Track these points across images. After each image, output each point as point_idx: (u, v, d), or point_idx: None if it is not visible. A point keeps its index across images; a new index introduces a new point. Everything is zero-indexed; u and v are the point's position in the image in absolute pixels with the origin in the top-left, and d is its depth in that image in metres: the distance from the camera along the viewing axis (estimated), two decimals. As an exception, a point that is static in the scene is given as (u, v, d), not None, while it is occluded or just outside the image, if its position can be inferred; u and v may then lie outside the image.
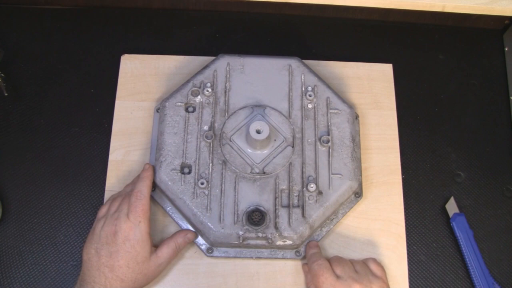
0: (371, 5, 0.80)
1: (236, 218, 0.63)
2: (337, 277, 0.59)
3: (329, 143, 0.67)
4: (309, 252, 0.64)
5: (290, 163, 0.66)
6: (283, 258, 0.66)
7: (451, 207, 0.71)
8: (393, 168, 0.72)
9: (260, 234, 0.63)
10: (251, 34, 0.82)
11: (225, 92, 0.70)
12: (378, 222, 0.69)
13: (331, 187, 0.65)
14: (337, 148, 0.67)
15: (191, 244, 0.66)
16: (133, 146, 0.72)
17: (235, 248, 0.66)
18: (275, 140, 0.67)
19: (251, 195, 0.64)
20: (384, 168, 0.72)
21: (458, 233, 0.69)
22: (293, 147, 0.67)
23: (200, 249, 0.66)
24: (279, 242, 0.63)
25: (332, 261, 0.62)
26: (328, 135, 0.68)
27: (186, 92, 0.69)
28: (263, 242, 0.64)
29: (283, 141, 0.67)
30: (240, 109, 0.69)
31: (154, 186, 0.66)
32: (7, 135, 0.73)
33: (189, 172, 0.65)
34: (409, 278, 0.68)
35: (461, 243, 0.69)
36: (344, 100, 0.71)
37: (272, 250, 0.66)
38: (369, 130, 0.74)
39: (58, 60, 0.78)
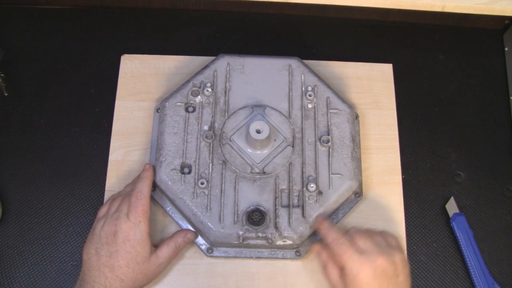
0: (371, 5, 0.80)
1: (236, 218, 0.63)
2: (360, 252, 0.56)
3: (329, 143, 0.67)
4: (322, 229, 0.61)
5: (290, 163, 0.66)
6: (283, 258, 0.66)
7: (451, 207, 0.71)
8: (393, 168, 0.72)
9: (260, 234, 0.63)
10: (251, 34, 0.82)
11: (225, 92, 0.70)
12: (378, 222, 0.69)
13: (331, 187, 0.65)
14: (337, 148, 0.67)
15: (191, 244, 0.66)
16: (133, 146, 0.72)
17: (235, 248, 0.66)
18: (275, 140, 0.67)
19: (251, 195, 0.64)
20: (384, 168, 0.72)
21: (458, 233, 0.69)
22: (293, 147, 0.67)
23: (200, 249, 0.66)
24: (279, 242, 0.63)
25: (352, 235, 0.59)
26: (328, 135, 0.68)
27: (186, 92, 0.69)
28: (263, 242, 0.64)
29: (283, 141, 0.67)
30: (240, 109, 0.69)
31: (154, 186, 0.66)
32: (7, 135, 0.73)
33: (189, 172, 0.65)
34: (409, 278, 0.68)
35: (461, 243, 0.69)
36: (344, 100, 0.71)
37: (272, 250, 0.66)
38: (369, 130, 0.74)
39: (58, 60, 0.78)
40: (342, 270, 0.57)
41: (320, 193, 0.65)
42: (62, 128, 0.74)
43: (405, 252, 0.62)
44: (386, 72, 0.78)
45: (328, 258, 0.60)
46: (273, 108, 0.69)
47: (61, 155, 0.72)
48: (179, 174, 0.65)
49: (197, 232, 0.66)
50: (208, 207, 0.63)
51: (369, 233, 0.60)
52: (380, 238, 0.59)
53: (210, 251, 0.66)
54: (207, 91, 0.69)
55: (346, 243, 0.58)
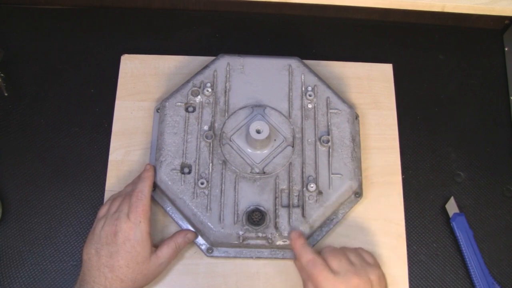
0: (371, 5, 0.80)
1: (236, 218, 0.63)
2: (335, 273, 0.56)
3: (329, 143, 0.67)
4: (297, 246, 0.60)
5: (290, 163, 0.66)
6: (283, 258, 0.66)
7: (451, 207, 0.71)
8: (393, 168, 0.72)
9: (260, 234, 0.63)
10: (251, 34, 0.82)
11: (225, 92, 0.70)
12: (378, 222, 0.69)
13: (331, 187, 0.65)
14: (337, 148, 0.67)
15: (191, 244, 0.66)
16: (133, 146, 0.72)
17: (235, 248, 0.66)
18: (275, 140, 0.67)
19: (251, 195, 0.64)
20: (384, 168, 0.72)
21: (458, 233, 0.69)
22: (293, 147, 0.67)
23: (200, 249, 0.66)
24: (279, 242, 0.63)
25: (326, 255, 0.58)
26: (328, 135, 0.68)
27: (186, 92, 0.69)
28: (263, 242, 0.64)
29: (283, 141, 0.67)
30: (240, 109, 0.69)
31: (154, 186, 0.66)
32: (7, 135, 0.73)
33: (189, 172, 0.65)
34: (409, 278, 0.68)
35: (461, 243, 0.69)
36: (344, 100, 0.71)
37: (272, 250, 0.66)
38: (369, 130, 0.74)
39: (58, 60, 0.78)
40: None
41: (320, 193, 0.65)
42: (62, 128, 0.74)
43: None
44: (386, 72, 0.78)
45: (307, 279, 0.58)
46: (273, 108, 0.69)
47: (61, 155, 0.72)
48: (179, 174, 0.65)
49: (197, 232, 0.66)
50: (208, 207, 0.63)
51: (344, 252, 0.59)
52: (355, 256, 0.59)
53: (210, 251, 0.66)
54: (207, 91, 0.69)
55: (321, 264, 0.57)
